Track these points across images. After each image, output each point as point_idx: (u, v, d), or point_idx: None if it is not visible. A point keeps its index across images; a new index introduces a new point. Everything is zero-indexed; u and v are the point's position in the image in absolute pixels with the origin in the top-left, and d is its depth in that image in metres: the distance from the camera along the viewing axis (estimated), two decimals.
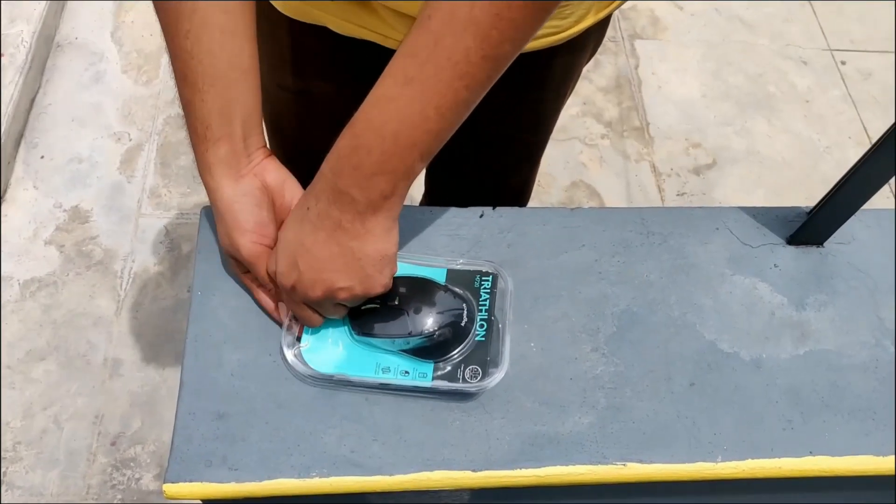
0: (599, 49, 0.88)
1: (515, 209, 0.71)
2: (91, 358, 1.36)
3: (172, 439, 0.57)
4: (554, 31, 0.72)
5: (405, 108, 0.49)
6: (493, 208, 0.70)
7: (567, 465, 0.59)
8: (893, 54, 1.94)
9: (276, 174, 0.62)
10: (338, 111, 0.81)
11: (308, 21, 0.73)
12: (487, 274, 0.65)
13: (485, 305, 0.63)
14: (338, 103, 0.82)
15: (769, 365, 0.65)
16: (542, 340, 0.64)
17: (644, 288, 0.67)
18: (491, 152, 0.90)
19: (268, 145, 0.94)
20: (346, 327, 0.62)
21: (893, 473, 0.61)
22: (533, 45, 0.71)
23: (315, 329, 0.61)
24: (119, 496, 1.23)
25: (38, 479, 1.24)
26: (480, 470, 0.58)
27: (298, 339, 0.61)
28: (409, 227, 0.69)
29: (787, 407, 0.63)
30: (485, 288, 0.64)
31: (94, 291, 1.45)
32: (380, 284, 0.57)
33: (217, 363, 0.61)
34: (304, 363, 0.60)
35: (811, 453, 0.61)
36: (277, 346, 0.62)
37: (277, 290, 0.60)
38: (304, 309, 0.59)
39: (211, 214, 0.69)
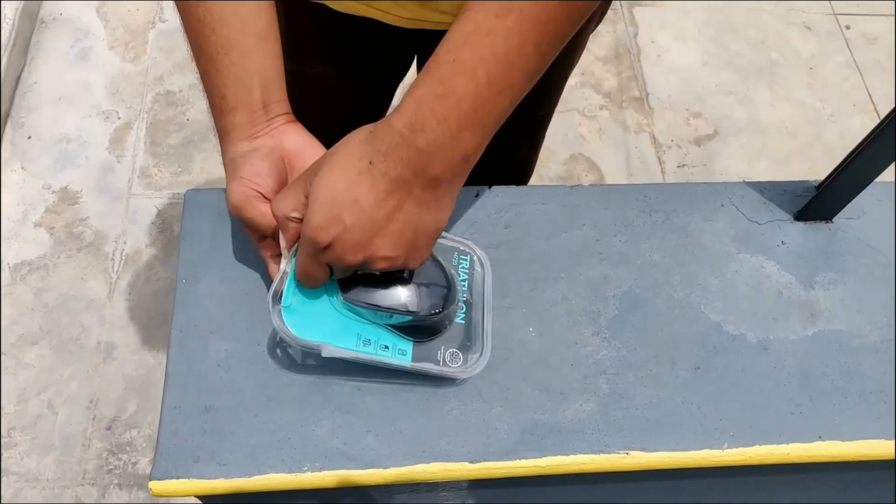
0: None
1: (513, 188, 0.68)
2: (84, 342, 1.34)
3: (158, 434, 0.55)
4: None
5: (502, 44, 0.43)
6: (489, 187, 0.67)
7: (568, 454, 0.57)
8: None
9: (297, 137, 0.58)
10: (332, 93, 0.79)
11: None
12: (465, 253, 0.62)
13: (463, 286, 0.60)
14: (332, 85, 0.79)
15: (777, 347, 0.63)
16: (540, 325, 0.61)
17: (647, 268, 0.65)
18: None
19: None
20: (331, 293, 0.57)
21: None
22: None
23: (300, 289, 0.56)
24: (115, 480, 1.22)
25: (34, 464, 1.22)
26: (478, 461, 0.56)
27: (279, 297, 0.56)
28: None
29: (795, 390, 0.61)
30: (463, 267, 0.61)
31: (86, 274, 1.42)
32: (421, 259, 0.52)
33: (203, 354, 0.58)
34: (284, 325, 0.55)
35: (820, 438, 0.59)
36: (267, 335, 0.59)
37: (278, 241, 0.56)
38: (320, 268, 0.52)
39: (196, 197, 0.66)
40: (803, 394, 0.61)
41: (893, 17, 1.91)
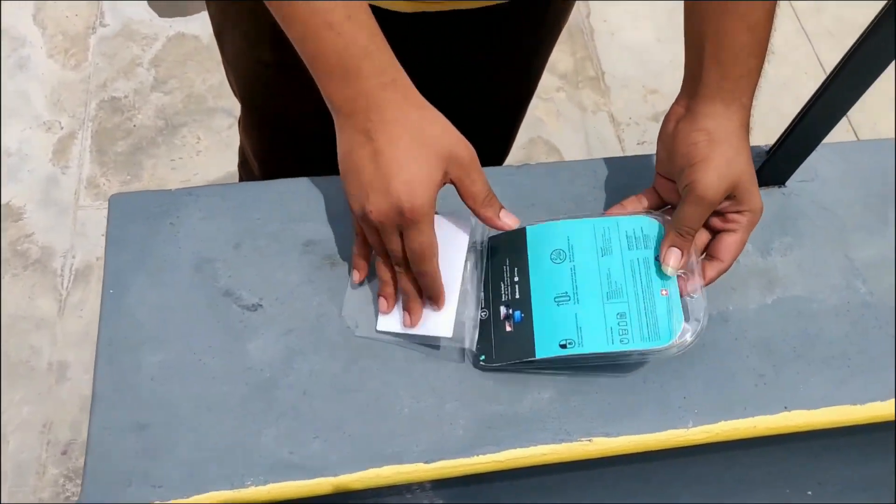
0: None
1: None
2: (35, 363, 1.29)
3: (85, 459, 0.51)
4: None
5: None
6: None
7: (528, 445, 0.54)
8: None
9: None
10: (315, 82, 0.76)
11: None
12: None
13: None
14: None
15: (737, 318, 0.61)
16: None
17: None
18: (479, 105, 0.85)
19: (243, 125, 0.89)
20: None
21: (869, 422, 0.57)
22: None
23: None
24: None
25: None
26: (434, 461, 0.53)
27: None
28: (343, 198, 0.63)
29: (758, 361, 0.59)
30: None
31: (34, 292, 1.37)
32: None
33: (135, 367, 0.55)
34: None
35: (786, 408, 0.57)
36: (202, 343, 0.56)
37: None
38: None
39: (122, 201, 0.63)
40: (766, 364, 0.59)
41: None
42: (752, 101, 0.56)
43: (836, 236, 0.66)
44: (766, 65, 0.57)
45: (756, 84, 0.56)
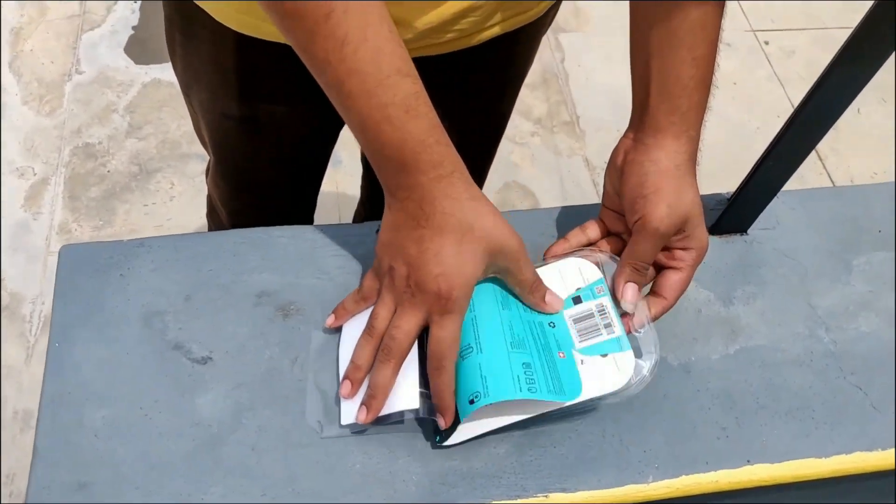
0: None
1: None
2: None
3: None
4: (528, 9, 0.71)
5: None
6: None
7: (482, 501, 0.52)
8: (817, 30, 1.94)
9: None
10: (286, 136, 0.76)
11: (259, 36, 0.65)
12: None
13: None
14: (287, 128, 0.76)
15: (699, 368, 0.60)
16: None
17: None
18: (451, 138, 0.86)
19: (211, 175, 0.89)
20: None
21: (835, 476, 0.56)
22: (515, 21, 0.70)
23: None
24: None
25: None
26: None
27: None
28: (298, 248, 0.62)
29: (720, 413, 0.58)
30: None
31: (1, 339, 1.35)
32: None
33: (77, 424, 0.53)
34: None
35: (749, 462, 0.56)
36: (149, 398, 0.54)
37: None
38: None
39: (71, 252, 0.61)
40: (728, 416, 0.58)
41: (809, 30, 1.95)
42: (699, 134, 0.57)
43: (798, 284, 0.66)
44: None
45: (702, 117, 0.57)
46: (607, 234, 0.61)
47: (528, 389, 0.51)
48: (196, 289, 0.59)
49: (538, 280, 0.56)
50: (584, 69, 1.85)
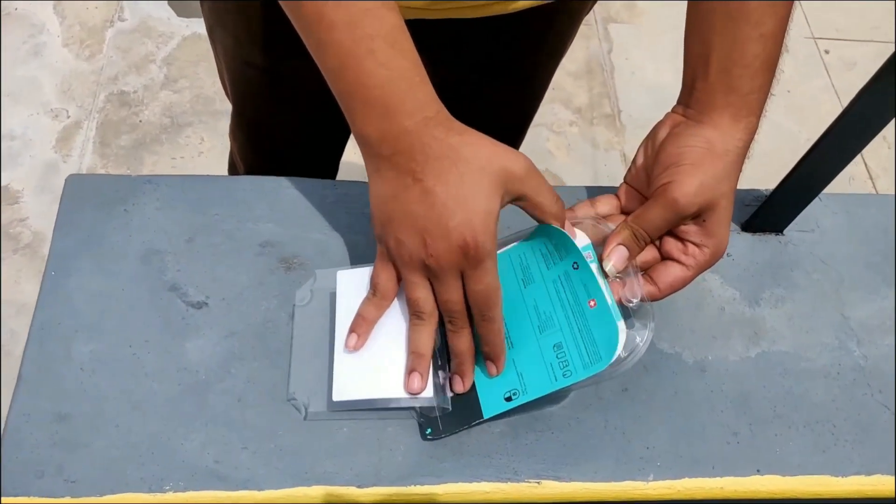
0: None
1: None
2: (12, 349, 1.26)
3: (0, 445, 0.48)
4: None
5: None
6: None
7: (470, 481, 0.50)
8: (881, 44, 1.86)
9: None
10: (307, 91, 0.73)
11: None
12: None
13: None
14: (308, 83, 0.73)
15: (715, 368, 0.57)
16: None
17: None
18: (477, 123, 0.83)
19: (231, 126, 0.87)
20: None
21: (850, 497, 0.53)
22: None
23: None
24: None
25: None
26: (367, 486, 0.49)
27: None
28: (309, 201, 0.60)
29: (733, 417, 0.55)
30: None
31: (20, 276, 1.35)
32: None
33: (65, 355, 0.52)
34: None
35: (758, 472, 0.53)
36: (139, 337, 0.53)
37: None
38: None
39: (77, 182, 0.60)
40: (741, 421, 0.55)
41: (874, 43, 1.88)
42: (758, 124, 0.51)
43: (831, 292, 0.62)
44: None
45: (763, 104, 0.51)
46: (620, 212, 0.56)
47: (564, 375, 0.49)
48: (199, 232, 0.57)
49: (559, 201, 0.50)
50: (630, 63, 1.80)
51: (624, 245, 0.51)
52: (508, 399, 0.50)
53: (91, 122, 1.55)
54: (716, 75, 0.50)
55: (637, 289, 0.50)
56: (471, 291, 0.48)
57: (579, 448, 0.52)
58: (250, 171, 0.88)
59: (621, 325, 0.49)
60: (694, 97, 0.52)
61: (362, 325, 0.51)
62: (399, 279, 0.50)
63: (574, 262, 0.50)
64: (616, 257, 0.51)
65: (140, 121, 1.56)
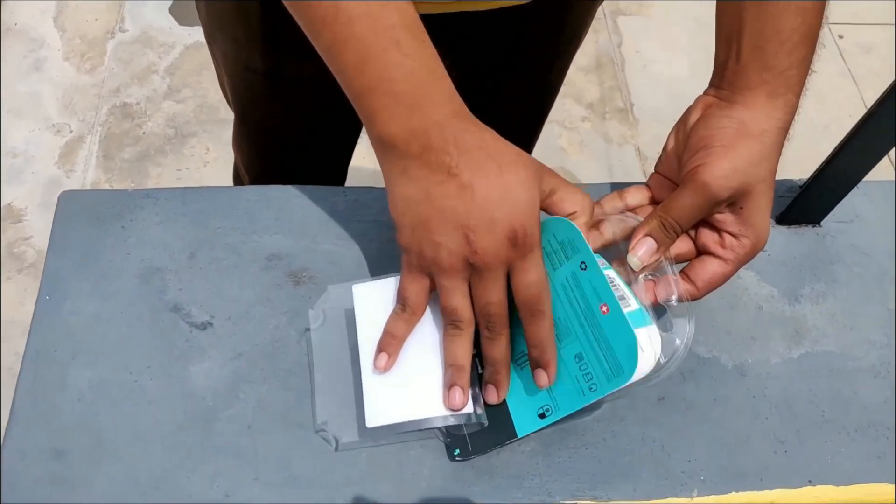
0: None
1: None
2: (17, 370, 1.24)
3: None
4: None
5: None
6: None
7: (501, 503, 0.46)
8: (894, 27, 1.81)
9: None
10: (314, 96, 0.70)
11: None
12: None
13: None
14: (314, 86, 0.69)
15: (756, 371, 0.53)
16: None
17: None
18: (494, 118, 0.79)
19: (234, 136, 0.84)
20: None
21: None
22: None
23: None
24: None
25: None
26: None
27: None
28: (318, 210, 0.57)
29: (778, 424, 0.51)
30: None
31: (26, 297, 1.32)
32: None
33: (60, 384, 0.48)
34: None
35: (810, 482, 0.49)
36: (140, 362, 0.49)
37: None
38: None
39: (71, 199, 0.57)
40: (788, 428, 0.51)
41: (890, 26, 1.83)
42: (798, 101, 0.47)
43: (875, 286, 0.58)
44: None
45: (804, 79, 0.47)
46: (651, 203, 0.52)
47: (590, 389, 0.45)
48: (201, 247, 0.54)
49: (587, 195, 0.47)
50: (641, 56, 1.76)
51: (651, 236, 0.47)
52: (542, 416, 0.46)
53: (94, 136, 1.53)
54: (749, 52, 0.46)
55: (672, 286, 0.47)
56: (519, 286, 0.44)
57: (616, 464, 0.48)
58: (256, 181, 0.84)
59: (647, 331, 0.45)
60: (726, 78, 0.48)
61: (392, 344, 0.47)
62: (431, 290, 0.46)
63: (582, 262, 0.45)
64: (643, 250, 0.47)
65: (143, 133, 1.54)
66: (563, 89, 1.69)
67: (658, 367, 0.45)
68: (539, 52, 0.75)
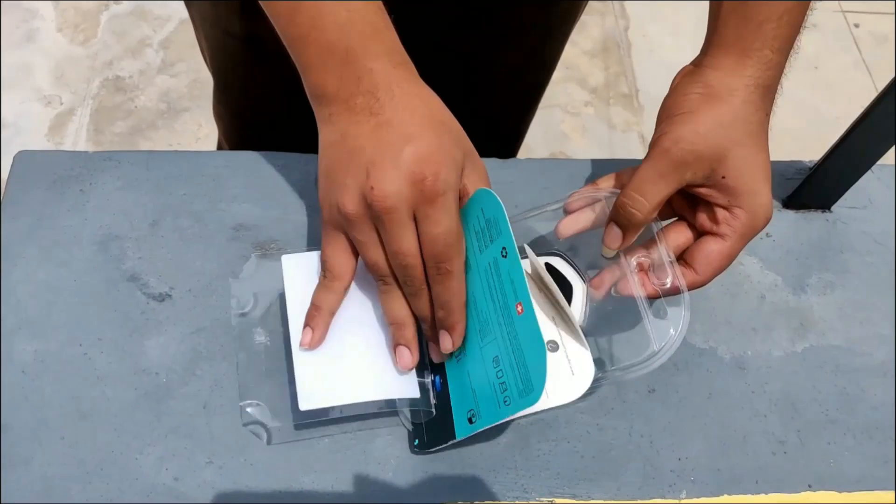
0: (585, 10, 0.73)
1: None
2: None
3: None
4: None
5: None
6: None
7: (473, 500, 0.43)
8: None
9: None
10: (288, 60, 0.66)
11: None
12: None
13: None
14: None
15: (756, 365, 0.49)
16: None
17: (597, 264, 0.51)
18: (487, 93, 0.75)
19: (214, 103, 0.81)
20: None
21: None
22: None
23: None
24: None
25: None
26: None
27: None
28: (290, 178, 0.53)
29: (778, 423, 0.47)
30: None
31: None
32: None
33: (4, 356, 0.45)
34: None
35: (810, 487, 0.45)
36: (92, 334, 0.46)
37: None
38: None
39: (27, 159, 0.53)
40: (789, 427, 0.47)
41: None
42: (781, 59, 0.43)
43: (888, 277, 0.54)
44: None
45: (788, 38, 0.43)
46: None
47: (504, 402, 0.39)
48: (165, 214, 0.51)
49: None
50: (648, 40, 1.71)
51: (613, 221, 0.43)
52: (470, 421, 0.41)
53: (85, 109, 1.49)
54: (728, 11, 0.43)
55: (668, 279, 0.43)
56: (424, 237, 0.39)
57: (599, 460, 0.45)
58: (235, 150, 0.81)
59: (579, 351, 0.41)
60: (706, 41, 0.44)
61: (316, 317, 0.43)
62: (355, 253, 0.42)
63: (503, 248, 0.39)
64: (611, 237, 0.43)
65: (136, 106, 1.50)
66: (566, 73, 1.65)
67: (651, 356, 0.41)
68: (533, 20, 0.71)
